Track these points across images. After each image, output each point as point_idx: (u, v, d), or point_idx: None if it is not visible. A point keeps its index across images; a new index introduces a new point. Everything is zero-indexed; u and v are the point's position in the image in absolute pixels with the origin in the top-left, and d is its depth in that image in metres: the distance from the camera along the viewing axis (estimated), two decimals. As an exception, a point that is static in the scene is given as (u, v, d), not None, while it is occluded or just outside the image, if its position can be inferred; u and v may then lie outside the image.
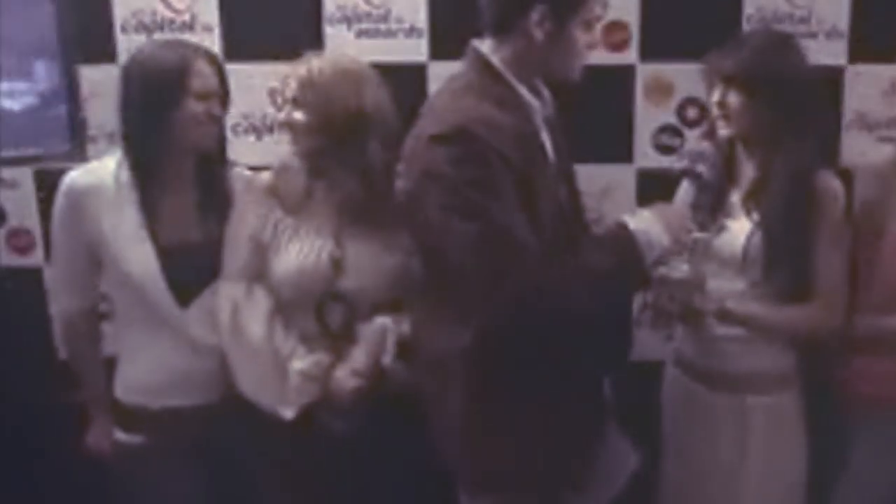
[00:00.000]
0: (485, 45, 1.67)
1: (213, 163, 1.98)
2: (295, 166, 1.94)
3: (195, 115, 1.87)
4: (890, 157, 2.10)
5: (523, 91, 1.67)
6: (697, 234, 1.82)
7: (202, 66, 1.89)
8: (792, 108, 1.87)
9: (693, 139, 2.33)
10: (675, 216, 1.73)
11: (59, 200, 1.94)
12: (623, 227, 1.64)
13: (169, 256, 1.91)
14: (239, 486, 2.00)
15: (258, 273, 1.91)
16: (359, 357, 1.90)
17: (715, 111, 1.91)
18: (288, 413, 1.84)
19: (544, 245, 1.60)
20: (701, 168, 1.89)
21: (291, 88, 1.88)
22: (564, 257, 1.62)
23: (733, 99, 1.87)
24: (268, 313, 1.89)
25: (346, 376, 1.88)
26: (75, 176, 1.94)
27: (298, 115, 1.87)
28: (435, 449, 1.78)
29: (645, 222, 1.65)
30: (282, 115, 1.91)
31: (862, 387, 2.03)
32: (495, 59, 1.65)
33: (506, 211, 1.55)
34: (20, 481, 2.52)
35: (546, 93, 1.76)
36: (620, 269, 1.63)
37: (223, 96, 1.94)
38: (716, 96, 1.90)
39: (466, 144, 1.54)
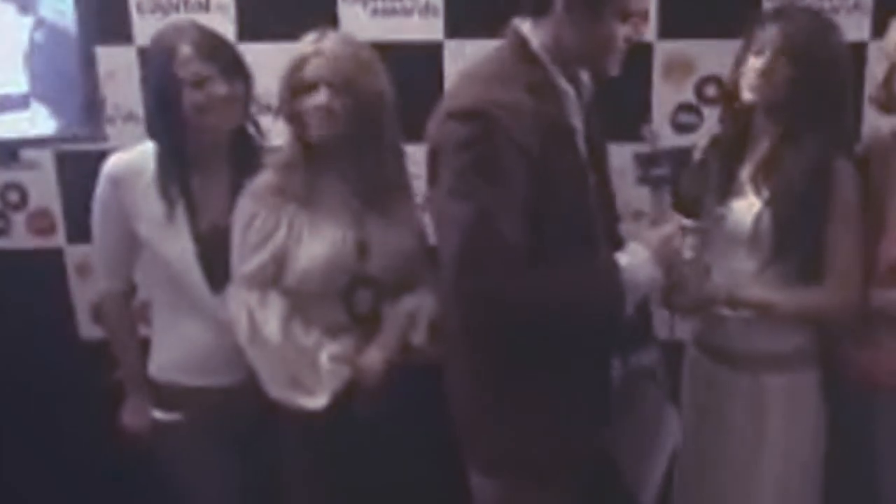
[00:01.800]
0: (525, 26, 1.62)
1: (247, 142, 1.97)
2: (299, 159, 1.90)
3: (196, 103, 1.85)
4: (891, 130, 2.04)
5: (558, 76, 1.62)
6: (695, 224, 1.79)
7: (186, 52, 1.84)
8: (835, 87, 1.87)
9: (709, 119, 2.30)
10: (665, 243, 1.66)
11: (101, 184, 1.95)
12: (614, 266, 1.60)
13: (204, 241, 1.92)
14: (268, 466, 2.01)
15: (272, 277, 1.89)
16: (388, 336, 1.92)
17: (751, 78, 1.86)
18: (320, 402, 1.85)
19: (557, 230, 1.57)
20: (659, 170, 1.76)
21: (321, 71, 1.83)
22: (545, 272, 1.57)
23: (781, 70, 1.84)
24: (284, 316, 1.88)
25: (376, 355, 1.89)
26: (116, 160, 1.95)
27: (340, 99, 1.83)
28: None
29: (634, 258, 1.61)
30: (320, 100, 1.82)
31: (881, 370, 1.99)
32: (534, 42, 1.61)
33: (503, 201, 1.51)
34: (41, 460, 2.56)
35: (586, 82, 1.72)
36: (596, 303, 1.60)
37: (225, 72, 1.88)
38: (760, 63, 1.85)
39: (479, 126, 1.51)
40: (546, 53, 1.61)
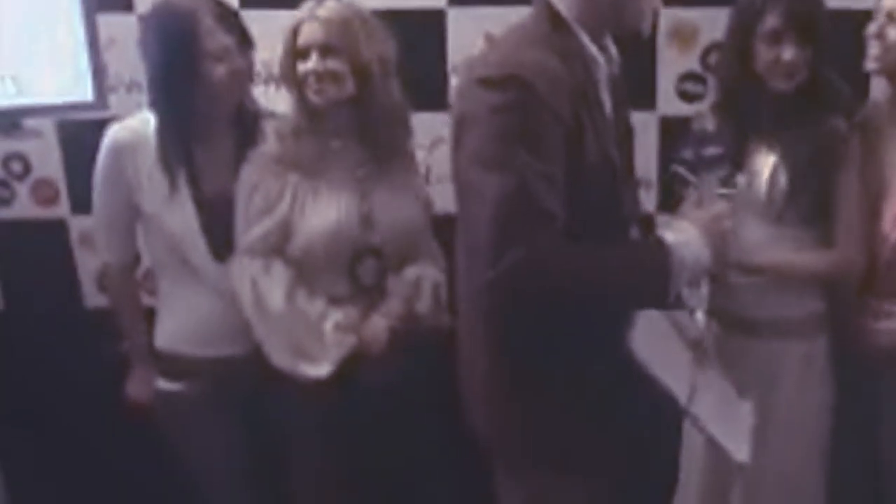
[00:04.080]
0: None
1: (249, 113, 1.97)
2: (302, 126, 1.90)
3: (217, 76, 1.85)
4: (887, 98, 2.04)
5: (590, 45, 1.56)
6: (723, 191, 1.73)
7: (209, 24, 1.84)
8: (828, 53, 1.89)
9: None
10: (716, 223, 1.59)
11: (102, 155, 1.94)
12: (660, 242, 1.53)
13: (208, 211, 1.92)
14: (273, 436, 2.02)
15: (276, 246, 1.89)
16: (392, 305, 1.92)
17: (778, 68, 1.88)
18: (323, 370, 1.85)
19: (585, 207, 1.50)
20: (712, 150, 1.73)
21: (314, 36, 1.84)
22: (589, 246, 1.51)
23: (806, 57, 1.87)
24: (288, 285, 1.88)
25: (380, 323, 1.89)
26: (117, 130, 1.95)
27: (333, 64, 1.83)
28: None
29: (681, 236, 1.54)
30: (310, 65, 1.83)
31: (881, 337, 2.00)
32: (563, 9, 1.55)
33: (541, 169, 1.44)
34: (46, 429, 2.57)
35: (614, 51, 1.66)
36: (642, 281, 1.53)
37: (242, 46, 1.90)
38: (785, 55, 1.86)
39: (515, 92, 1.44)
40: (577, 21, 1.54)
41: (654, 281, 1.52)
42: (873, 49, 1.92)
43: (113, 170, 1.93)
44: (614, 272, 1.51)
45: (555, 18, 1.54)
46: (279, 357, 1.88)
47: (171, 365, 2.02)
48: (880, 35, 1.90)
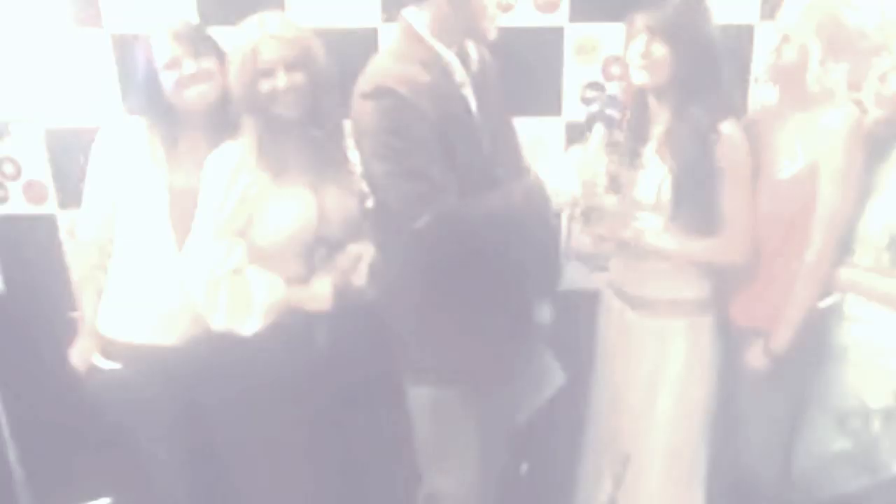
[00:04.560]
0: (411, 12, 1.89)
1: (225, 112, 2.04)
2: (261, 143, 1.99)
3: (171, 82, 2.01)
4: (766, 103, 2.22)
5: (443, 51, 1.88)
6: (619, 170, 2.02)
7: (160, 37, 2.02)
8: (707, 61, 2.02)
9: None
10: (587, 160, 1.93)
11: (96, 143, 2.11)
12: (535, 175, 1.88)
13: (178, 200, 2.04)
14: (210, 422, 2.11)
15: (237, 232, 1.99)
16: (336, 271, 2.09)
17: (637, 61, 2.04)
18: (255, 325, 1.95)
19: (466, 186, 1.85)
20: (610, 111, 2.00)
21: (275, 55, 1.92)
22: (476, 197, 1.86)
23: (658, 50, 2.00)
24: (236, 259, 1.98)
25: (324, 280, 2.06)
26: (106, 131, 2.11)
27: (300, 78, 1.94)
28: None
29: (556, 167, 1.88)
30: (282, 82, 1.92)
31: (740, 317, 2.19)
32: (418, 24, 1.87)
33: (420, 155, 1.79)
34: (36, 426, 2.72)
35: (475, 53, 1.97)
36: (524, 211, 1.88)
37: (195, 53, 2.00)
38: (640, 47, 2.02)
39: (386, 100, 1.80)
40: (431, 32, 1.87)
41: (536, 210, 1.87)
42: (769, 60, 2.07)
43: (103, 166, 2.10)
44: (502, 211, 1.87)
45: (412, 33, 1.87)
46: (215, 319, 1.97)
47: (109, 345, 2.12)
48: (776, 52, 2.06)
